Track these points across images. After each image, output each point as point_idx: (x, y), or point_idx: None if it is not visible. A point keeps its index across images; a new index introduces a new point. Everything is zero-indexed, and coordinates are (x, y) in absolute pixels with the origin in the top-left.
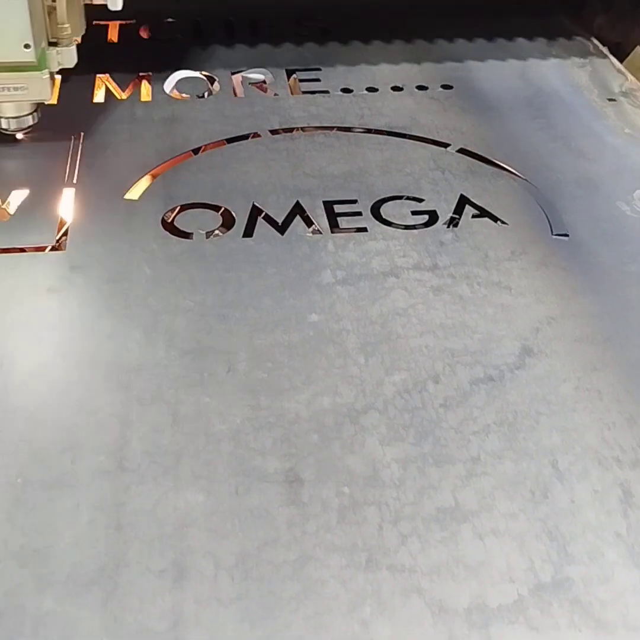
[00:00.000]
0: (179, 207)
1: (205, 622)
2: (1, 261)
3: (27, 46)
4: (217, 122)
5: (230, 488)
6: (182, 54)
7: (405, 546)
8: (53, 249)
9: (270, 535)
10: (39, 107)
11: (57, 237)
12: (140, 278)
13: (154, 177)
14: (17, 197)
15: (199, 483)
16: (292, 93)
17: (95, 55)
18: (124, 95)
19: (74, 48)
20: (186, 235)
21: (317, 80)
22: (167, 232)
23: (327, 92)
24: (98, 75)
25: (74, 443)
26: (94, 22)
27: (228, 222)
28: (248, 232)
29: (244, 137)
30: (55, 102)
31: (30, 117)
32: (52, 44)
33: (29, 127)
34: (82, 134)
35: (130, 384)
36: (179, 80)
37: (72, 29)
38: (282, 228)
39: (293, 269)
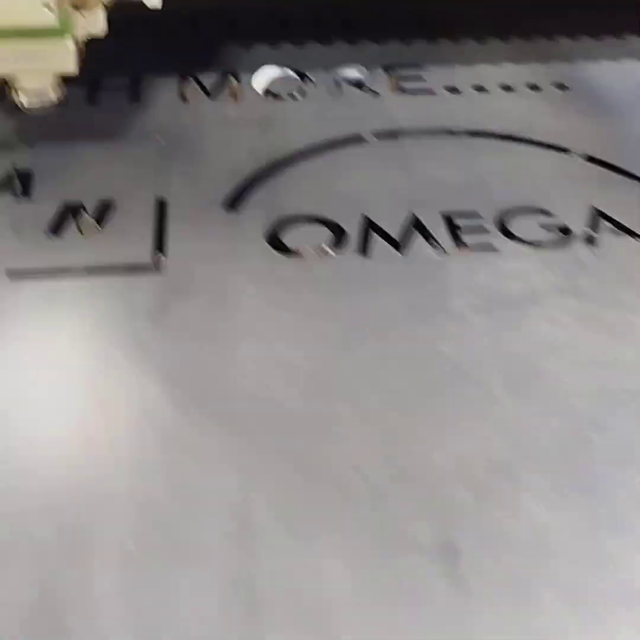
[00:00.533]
0: (284, 220)
1: None
2: (95, 283)
3: (47, 6)
4: (316, 125)
5: (375, 559)
6: (271, 50)
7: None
8: (150, 268)
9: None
10: (62, 80)
11: (154, 255)
12: (247, 302)
13: (253, 185)
14: (107, 209)
15: (340, 553)
16: (392, 92)
17: (177, 51)
18: (213, 95)
19: (100, 12)
20: (294, 252)
21: (420, 78)
22: (273, 249)
23: (431, 91)
24: (181, 73)
25: (192, 501)
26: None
27: (339, 237)
28: (362, 250)
29: (347, 141)
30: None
31: (51, 91)
32: (76, 8)
33: (52, 103)
34: (171, 138)
35: (247, 427)
36: (270, 79)
37: None
38: (399, 245)
39: (417, 294)
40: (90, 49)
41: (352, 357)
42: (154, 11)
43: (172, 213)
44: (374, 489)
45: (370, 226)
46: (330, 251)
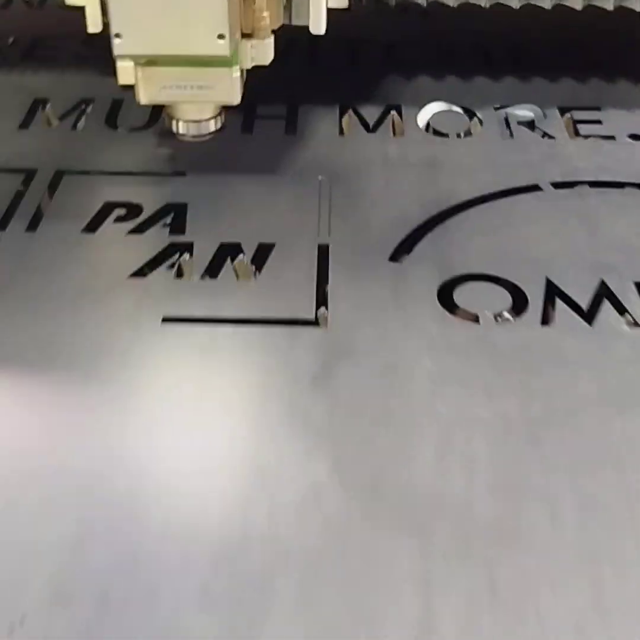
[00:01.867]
0: (456, 278)
1: None
2: (250, 337)
3: (221, 37)
4: (486, 170)
5: None
6: (435, 83)
7: None
8: (312, 324)
9: None
10: (224, 111)
11: (316, 309)
12: (421, 373)
13: (421, 236)
14: (265, 252)
15: None
16: (569, 136)
17: (336, 80)
18: (373, 129)
19: (271, 42)
20: (470, 316)
21: (598, 122)
22: (445, 311)
23: (612, 137)
24: (342, 105)
25: (366, 618)
26: None
27: (519, 302)
28: (546, 318)
29: (522, 190)
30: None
31: (212, 122)
32: (245, 36)
33: (210, 134)
34: (330, 176)
35: (427, 528)
36: (434, 115)
37: (271, 20)
38: (588, 315)
39: (613, 376)
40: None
41: (542, 448)
42: (314, 37)
43: (334, 262)
44: (579, 624)
45: (554, 292)
46: (509, 317)
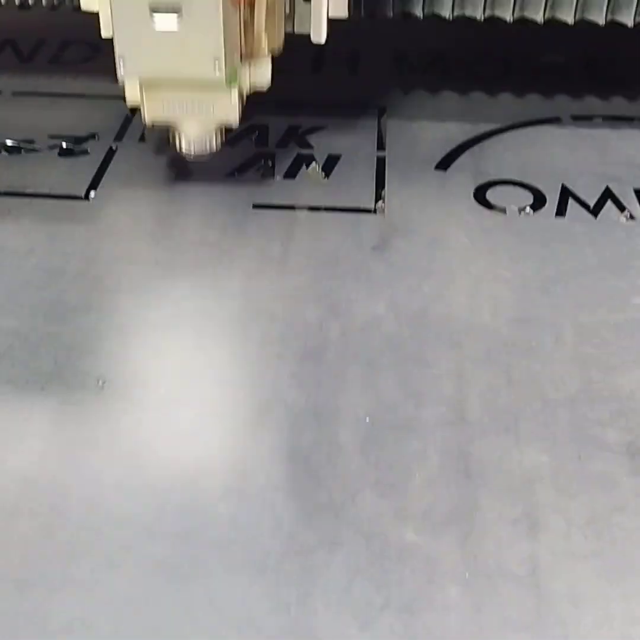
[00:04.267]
0: (488, 182)
1: (562, 573)
2: (325, 219)
3: (217, 61)
4: (517, 105)
5: (572, 453)
6: (476, 36)
7: None
8: (371, 212)
9: (619, 501)
10: (224, 130)
11: (374, 203)
12: (458, 246)
13: (460, 152)
14: (332, 162)
15: (540, 444)
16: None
17: (391, 30)
18: (422, 73)
19: (268, 65)
20: (499, 209)
21: None
22: (480, 205)
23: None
24: (396, 52)
25: (415, 392)
26: None
27: (539, 200)
28: (560, 212)
29: (546, 120)
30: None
31: (214, 140)
32: (243, 59)
33: (213, 151)
34: (386, 105)
35: (461, 343)
36: (476, 61)
37: (269, 42)
38: (594, 210)
39: (610, 252)
40: None
41: (550, 296)
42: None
43: (389, 169)
44: (569, 398)
45: (568, 195)
46: (530, 210)
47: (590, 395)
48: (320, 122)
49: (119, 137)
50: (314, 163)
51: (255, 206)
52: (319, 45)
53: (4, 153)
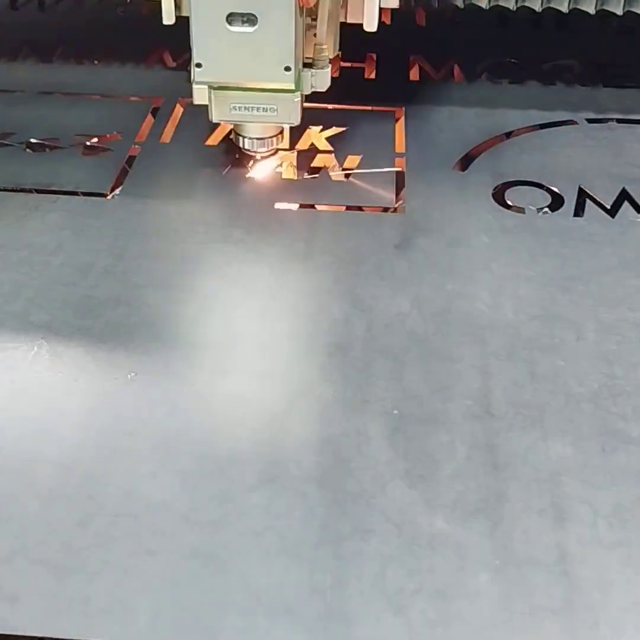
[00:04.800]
0: (507, 183)
1: (590, 561)
2: (347, 218)
3: (287, 69)
4: (533, 108)
5: (597, 445)
6: (491, 40)
7: None
8: (394, 211)
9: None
10: (283, 130)
11: (395, 202)
12: (479, 245)
13: (478, 153)
14: (353, 162)
15: (566, 437)
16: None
17: (407, 36)
18: (438, 76)
19: (328, 70)
20: (518, 209)
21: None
22: (499, 205)
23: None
24: (411, 56)
25: (441, 386)
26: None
27: (557, 201)
28: (578, 212)
29: (561, 123)
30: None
31: (275, 139)
32: (306, 65)
33: (272, 150)
34: (403, 108)
35: (485, 340)
36: (491, 65)
37: (329, 50)
38: (611, 211)
39: (629, 251)
40: None
41: (571, 294)
42: None
43: (409, 169)
44: (594, 397)
45: (585, 196)
46: (548, 211)
47: (613, 390)
48: (340, 122)
49: (141, 136)
50: (334, 163)
51: (278, 205)
52: None
53: (28, 151)
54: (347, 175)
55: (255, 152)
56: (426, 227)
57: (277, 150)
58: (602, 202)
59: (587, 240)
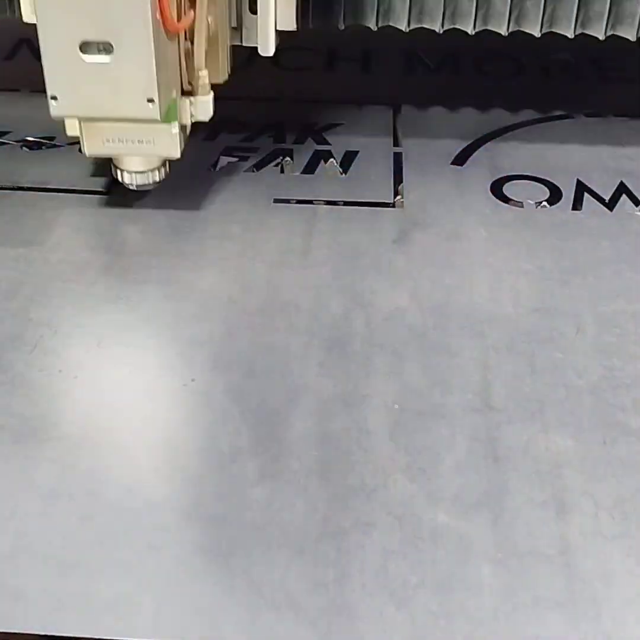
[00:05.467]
0: (505, 177)
1: (592, 553)
2: (346, 213)
3: (150, 100)
4: (529, 102)
5: (597, 438)
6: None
7: None
8: (390, 206)
9: None
10: (167, 162)
11: (393, 197)
12: (478, 239)
13: (476, 147)
14: (349, 158)
15: (566, 429)
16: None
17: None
18: (435, 70)
19: (210, 98)
20: (516, 203)
21: None
22: (497, 199)
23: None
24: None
25: (440, 380)
26: None
27: (555, 195)
28: (576, 205)
29: (558, 117)
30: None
31: (156, 172)
32: (186, 93)
33: (156, 183)
34: (400, 104)
35: (484, 333)
36: (487, 59)
37: (212, 76)
38: (609, 204)
39: (626, 244)
40: None
41: (570, 287)
42: None
43: (406, 165)
44: (594, 389)
45: (583, 189)
46: (546, 204)
47: (613, 382)
48: (337, 118)
49: None
50: (331, 159)
51: (276, 201)
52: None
53: (25, 149)
54: (344, 172)
55: (136, 186)
56: (424, 222)
57: (159, 183)
58: (600, 195)
59: (585, 234)
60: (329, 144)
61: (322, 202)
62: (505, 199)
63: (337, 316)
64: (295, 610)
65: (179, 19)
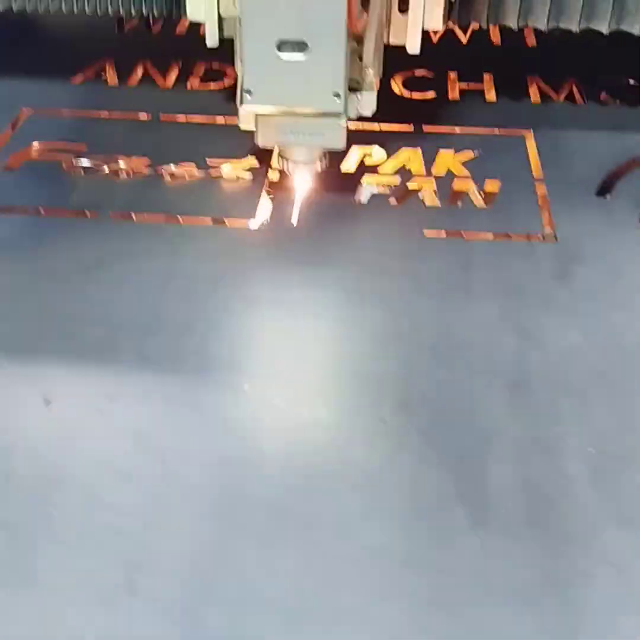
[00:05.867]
0: None
1: None
2: (504, 246)
3: (337, 95)
4: None
5: None
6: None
7: None
8: (544, 238)
9: None
10: (327, 154)
11: (545, 228)
12: (635, 271)
13: (616, 177)
14: (493, 186)
15: None
16: None
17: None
18: (560, 98)
19: (374, 94)
20: None
21: None
22: None
23: None
24: (531, 76)
25: (631, 422)
26: None
27: None
28: None
29: None
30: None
31: (318, 164)
32: (352, 89)
33: (317, 173)
34: (531, 131)
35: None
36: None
37: (375, 73)
38: None
39: None
40: None
41: None
42: None
43: (551, 195)
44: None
45: None
46: None
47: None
48: (468, 145)
49: None
50: (474, 189)
51: (427, 234)
52: None
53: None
54: (490, 201)
55: (298, 175)
56: (581, 256)
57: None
58: None
59: None
60: (468, 173)
61: (471, 234)
62: None
63: (511, 354)
64: None
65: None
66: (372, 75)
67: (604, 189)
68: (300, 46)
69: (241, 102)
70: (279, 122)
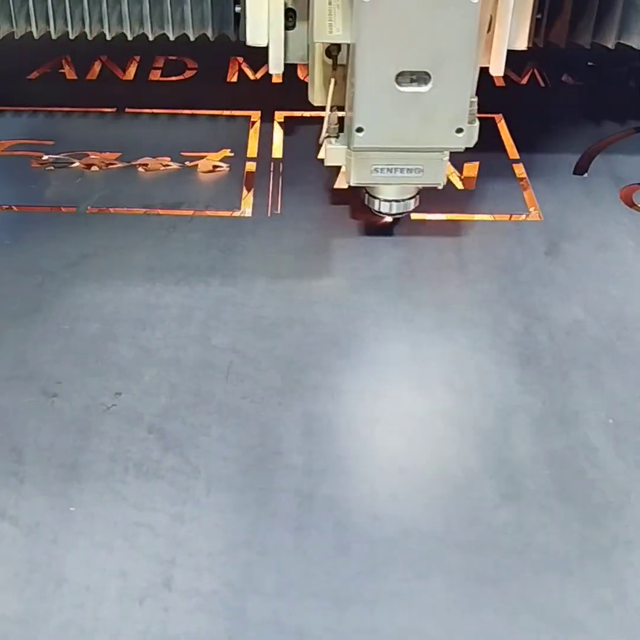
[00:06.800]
0: (630, 186)
1: None
2: (491, 226)
3: (459, 131)
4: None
5: None
6: None
7: None
8: (530, 218)
9: None
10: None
11: (530, 207)
12: (626, 248)
13: (594, 156)
14: (471, 170)
15: None
16: None
17: None
18: (524, 81)
19: (477, 125)
20: None
21: None
22: (629, 208)
23: None
24: None
25: None
26: None
27: None
28: None
29: None
30: None
31: (412, 201)
32: None
33: (407, 212)
34: (500, 114)
35: None
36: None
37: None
38: None
39: None
40: None
41: None
42: None
43: (531, 175)
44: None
45: None
46: None
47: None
48: None
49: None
50: (452, 171)
51: (414, 217)
52: None
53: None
54: (470, 185)
55: (392, 215)
56: (568, 233)
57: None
58: None
59: None
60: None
61: (455, 216)
62: (638, 208)
63: (518, 331)
64: (584, 631)
65: None
66: (476, 106)
67: (581, 167)
68: (421, 77)
69: (350, 145)
70: (377, 159)
